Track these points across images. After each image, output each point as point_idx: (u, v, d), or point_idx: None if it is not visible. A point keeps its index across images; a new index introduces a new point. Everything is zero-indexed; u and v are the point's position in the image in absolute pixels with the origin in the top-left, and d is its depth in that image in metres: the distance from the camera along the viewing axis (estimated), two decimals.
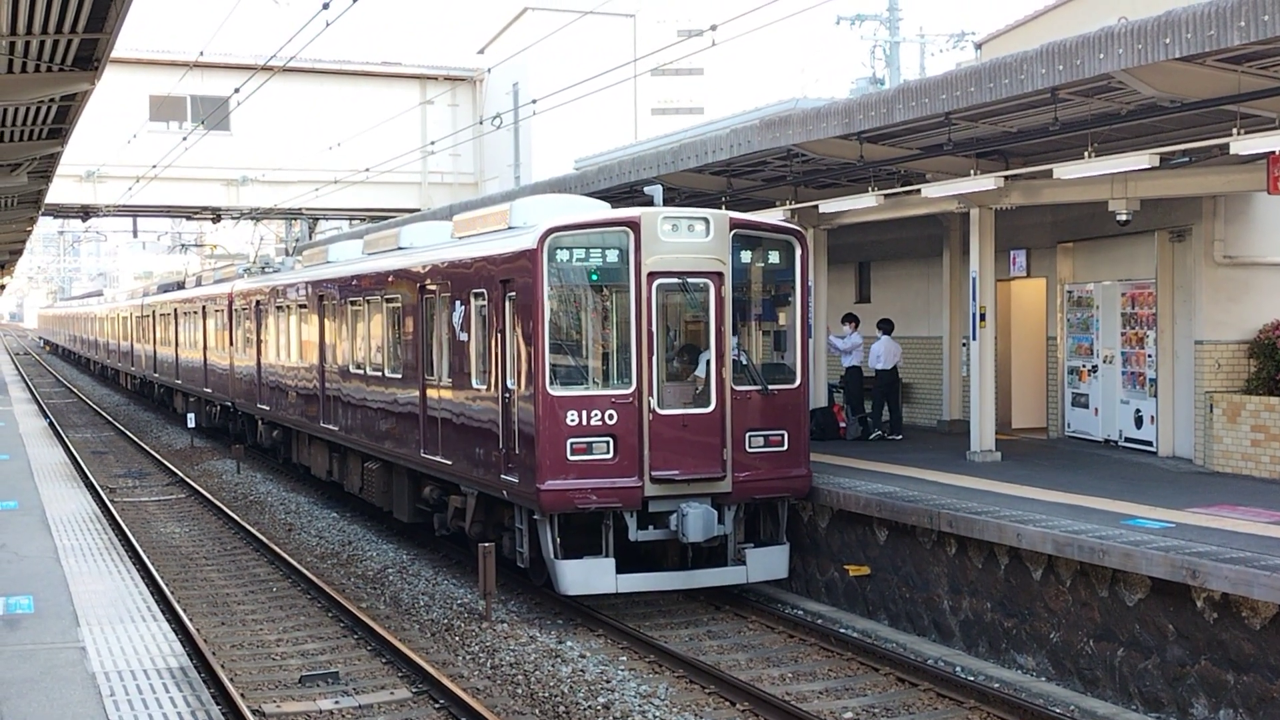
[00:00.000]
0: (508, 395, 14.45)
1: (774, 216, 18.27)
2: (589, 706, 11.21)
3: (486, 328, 15.11)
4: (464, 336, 15.75)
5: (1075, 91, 13.14)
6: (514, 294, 14.29)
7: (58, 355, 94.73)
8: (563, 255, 13.86)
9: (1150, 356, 17.78)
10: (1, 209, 26.85)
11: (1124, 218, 16.09)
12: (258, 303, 27.03)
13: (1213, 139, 13.41)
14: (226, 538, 20.06)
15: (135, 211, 44.50)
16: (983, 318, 17.56)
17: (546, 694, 11.61)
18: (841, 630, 13.78)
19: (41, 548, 14.50)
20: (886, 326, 20.71)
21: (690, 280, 14.17)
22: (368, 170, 35.93)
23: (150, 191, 38.32)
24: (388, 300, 18.70)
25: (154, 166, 33.49)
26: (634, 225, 13.94)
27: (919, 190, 16.91)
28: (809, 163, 17.85)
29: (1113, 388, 18.56)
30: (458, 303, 15.92)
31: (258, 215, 43.52)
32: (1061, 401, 19.83)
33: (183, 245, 63.25)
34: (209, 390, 32.45)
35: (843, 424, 20.67)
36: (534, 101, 25.03)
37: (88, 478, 24.30)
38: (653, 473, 13.85)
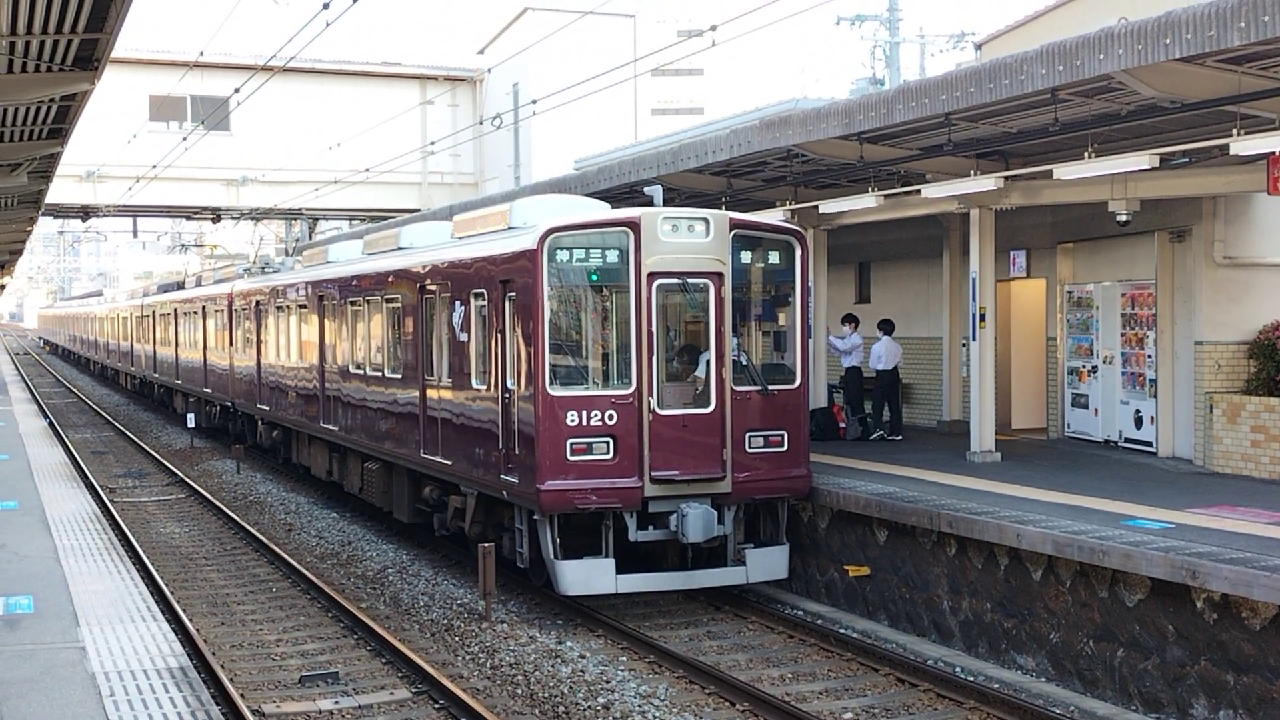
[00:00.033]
0: (508, 395, 14.45)
1: (774, 217, 18.27)
2: (589, 707, 11.21)
3: (486, 328, 15.11)
4: (464, 337, 15.75)
5: (1075, 92, 13.15)
6: (514, 294, 14.29)
7: (57, 355, 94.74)
8: (563, 255, 13.86)
9: (1150, 357, 17.78)
10: (1, 209, 26.85)
11: (1124, 218, 16.09)
12: (257, 303, 27.03)
13: (1213, 139, 13.42)
14: (226, 538, 20.06)
15: (135, 211, 44.50)
16: (982, 318, 17.56)
17: (546, 694, 11.61)
18: (841, 631, 13.78)
19: (41, 548, 14.50)
20: (887, 327, 20.72)
21: (690, 280, 14.17)
22: (368, 170, 35.94)
23: (150, 191, 38.32)
24: (388, 300, 18.70)
25: (154, 166, 33.49)
26: (634, 225, 13.94)
27: (919, 191, 16.91)
28: (809, 163, 17.85)
29: (1112, 388, 18.56)
30: (458, 303, 15.92)
31: (258, 215, 43.52)
32: (1061, 402, 19.83)
33: (183, 245, 63.28)
34: (209, 390, 32.45)
35: (842, 424, 20.67)
36: (534, 102, 25.02)
37: (88, 478, 24.30)
38: (652, 473, 13.85)
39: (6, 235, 35.48)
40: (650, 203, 15.26)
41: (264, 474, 26.87)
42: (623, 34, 46.17)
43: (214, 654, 12.71)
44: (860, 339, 20.85)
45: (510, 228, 15.49)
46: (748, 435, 14.32)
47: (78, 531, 15.66)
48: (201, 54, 29.68)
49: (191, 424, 33.51)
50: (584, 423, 13.74)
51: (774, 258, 14.95)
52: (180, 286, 40.07)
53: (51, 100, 14.39)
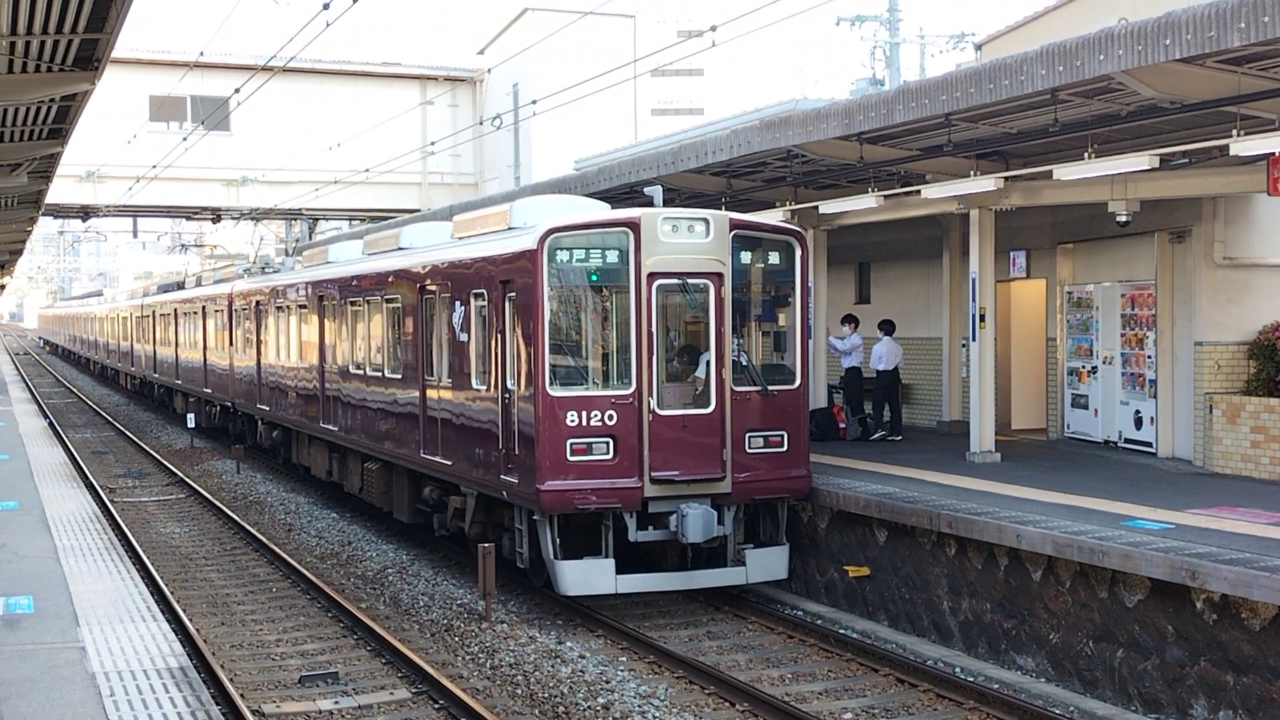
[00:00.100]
0: (507, 396, 14.46)
1: (774, 217, 18.28)
2: (588, 707, 11.21)
3: (486, 328, 15.11)
4: (464, 337, 15.76)
5: (1075, 92, 13.15)
6: (514, 294, 14.30)
7: (57, 355, 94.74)
8: (563, 256, 13.86)
9: (1150, 358, 17.78)
10: (1, 209, 26.86)
11: (1124, 219, 16.09)
12: (257, 303, 27.04)
13: (1213, 140, 13.42)
14: (226, 538, 20.06)
15: (135, 212, 44.51)
16: (982, 319, 17.56)
17: (546, 694, 11.62)
18: (841, 631, 13.78)
19: (41, 548, 14.50)
20: (888, 327, 20.72)
21: (690, 281, 14.17)
22: (368, 171, 35.95)
23: (150, 192, 38.33)
24: (388, 301, 18.70)
25: (154, 167, 33.49)
26: (634, 226, 13.95)
27: (919, 191, 16.91)
28: (809, 163, 17.85)
29: (1112, 389, 18.56)
30: (458, 303, 15.92)
31: (258, 215, 43.52)
32: (1061, 402, 19.83)
33: (183, 245, 63.27)
34: (209, 390, 32.45)
35: (842, 425, 20.67)
36: (534, 102, 25.02)
37: (87, 478, 24.31)
38: (652, 473, 13.85)
39: (6, 235, 35.49)
40: (650, 203, 15.26)
41: (264, 474, 26.88)
42: (623, 34, 46.21)
43: (214, 654, 12.71)
44: (860, 339, 20.85)
45: (510, 228, 15.49)
46: (747, 435, 14.33)
47: (78, 531, 15.66)
48: (201, 54, 29.70)
49: (191, 424, 33.52)
50: (584, 423, 13.74)
51: (774, 258, 14.95)
52: (180, 286, 40.07)
53: (52, 100, 14.39)
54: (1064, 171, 14.53)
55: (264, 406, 26.53)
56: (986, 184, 15.79)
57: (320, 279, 22.40)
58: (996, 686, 11.73)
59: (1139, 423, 17.98)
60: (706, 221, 14.21)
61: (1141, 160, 13.67)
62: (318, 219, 48.66)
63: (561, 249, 13.85)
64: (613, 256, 13.99)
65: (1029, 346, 21.34)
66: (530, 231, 14.20)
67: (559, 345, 13.94)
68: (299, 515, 21.83)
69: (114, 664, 9.88)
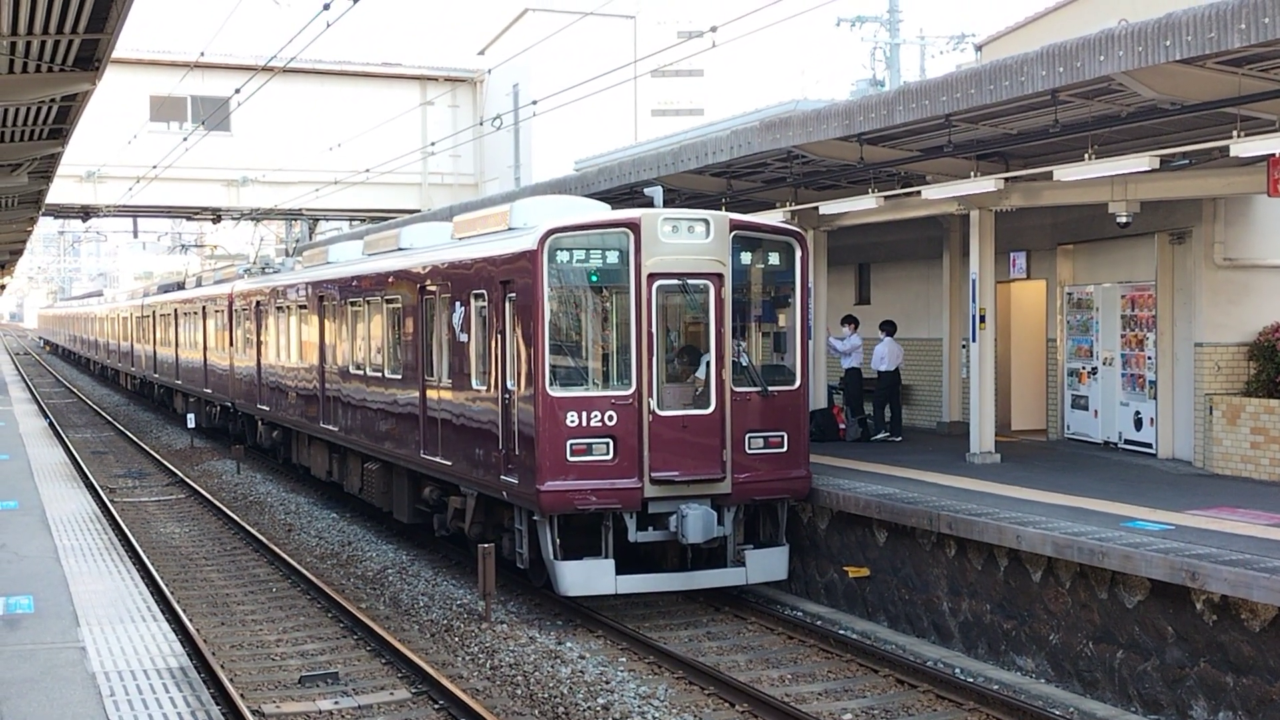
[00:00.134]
0: (508, 396, 14.46)
1: (774, 218, 18.29)
2: (588, 707, 11.22)
3: (486, 328, 15.12)
4: (464, 337, 15.76)
5: (1075, 93, 13.15)
6: (514, 295, 14.30)
7: (58, 355, 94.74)
8: (563, 256, 13.87)
9: (1150, 359, 17.79)
10: (2, 209, 26.86)
11: (1124, 220, 16.09)
12: (258, 303, 27.04)
13: (1213, 141, 13.41)
14: (226, 538, 20.06)
15: (135, 212, 44.51)
16: (982, 319, 17.56)
17: (546, 695, 11.62)
18: (841, 632, 13.78)
19: (41, 548, 14.50)
20: (889, 328, 20.73)
21: (690, 281, 14.18)
22: (368, 171, 35.95)
23: (150, 192, 38.33)
24: (388, 301, 18.71)
25: (154, 167, 33.49)
26: (634, 226, 13.95)
27: (919, 192, 16.91)
28: (809, 164, 17.85)
29: (1112, 390, 18.56)
30: (458, 303, 15.93)
31: (258, 216, 43.53)
32: (1061, 403, 19.83)
33: (183, 246, 63.30)
34: (209, 390, 32.46)
35: (842, 425, 20.67)
36: (534, 103, 25.01)
37: (88, 478, 24.31)
38: (652, 474, 13.85)
39: (7, 235, 35.49)
40: (650, 204, 15.27)
41: (264, 474, 26.88)
42: (623, 35, 46.24)
43: (214, 654, 12.71)
44: (860, 340, 20.85)
45: (510, 228, 15.50)
46: (747, 436, 14.33)
47: (78, 531, 15.66)
48: (202, 54, 29.73)
49: (191, 424, 33.52)
50: (584, 423, 13.75)
51: (774, 259, 14.95)
52: (180, 287, 40.08)
53: (52, 100, 14.39)
54: (1064, 172, 14.53)
55: (264, 407, 26.54)
56: (987, 185, 15.79)
57: (320, 279, 22.41)
58: (996, 687, 11.73)
59: (1139, 424, 17.98)
60: (706, 222, 14.21)
61: (1142, 161, 13.68)
62: (318, 219, 48.66)
63: (562, 249, 13.85)
64: (613, 257, 13.99)
65: (1029, 347, 21.34)
66: (530, 232, 14.20)
67: (559, 346, 13.94)
68: (299, 515, 21.83)
69: (114, 664, 9.88)
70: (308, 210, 43.80)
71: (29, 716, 8.64)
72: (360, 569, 17.47)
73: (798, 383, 14.83)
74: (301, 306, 23.53)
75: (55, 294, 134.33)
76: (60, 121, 16.19)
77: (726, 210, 16.73)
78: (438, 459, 16.51)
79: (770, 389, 14.54)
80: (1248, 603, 10.19)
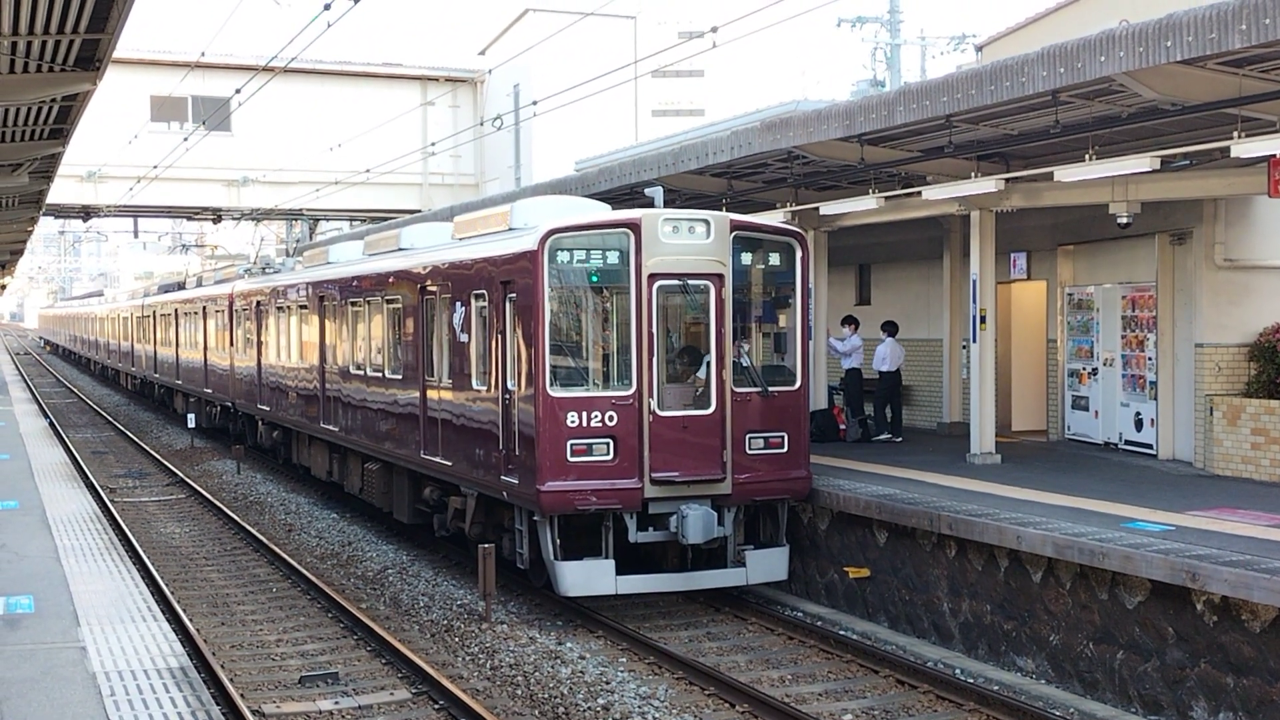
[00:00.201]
0: (508, 396, 14.46)
1: (774, 218, 18.28)
2: (588, 708, 11.21)
3: (487, 329, 15.12)
4: (464, 337, 15.76)
5: (1076, 94, 13.15)
6: (514, 295, 14.30)
7: (58, 355, 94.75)
8: (563, 256, 13.87)
9: (1150, 359, 17.79)
10: (2, 209, 26.86)
11: (1124, 220, 16.09)
12: (258, 303, 27.04)
13: (1214, 142, 13.41)
14: (226, 538, 20.06)
15: (136, 212, 44.52)
16: (983, 320, 17.56)
17: (546, 695, 11.62)
18: (841, 632, 13.78)
19: (42, 548, 14.50)
20: (891, 329, 20.73)
21: (691, 282, 14.18)
22: (368, 171, 35.95)
23: (151, 192, 38.34)
24: (388, 301, 18.71)
25: (155, 167, 33.50)
26: (634, 227, 13.95)
27: (919, 192, 16.91)
28: (810, 165, 17.85)
29: (1113, 390, 18.56)
30: (458, 304, 15.93)
31: (258, 216, 43.54)
32: (1061, 404, 19.83)
33: (183, 246, 63.32)
34: (209, 390, 32.46)
35: (843, 426, 20.67)
36: (535, 103, 25.02)
37: (88, 478, 24.31)
38: (653, 474, 13.85)
39: (7, 235, 35.49)
40: (651, 204, 15.27)
41: (264, 474, 26.88)
42: (623, 35, 46.27)
43: (214, 654, 12.71)
44: (860, 340, 20.85)
45: (511, 229, 15.50)
46: (748, 437, 14.32)
47: (78, 531, 15.66)
48: (203, 54, 29.76)
49: (192, 424, 33.52)
50: (584, 424, 13.74)
51: (774, 259, 14.95)
52: (181, 287, 40.09)
53: (53, 100, 14.39)
54: (1065, 173, 14.53)
55: (264, 407, 26.54)
56: (987, 185, 15.79)
57: (321, 279, 22.41)
58: (996, 688, 11.72)
59: (1139, 424, 17.98)
60: (707, 222, 14.21)
61: (1142, 162, 13.68)
62: (318, 219, 48.65)
63: (562, 250, 13.85)
64: (613, 257, 13.99)
65: (1029, 348, 21.33)
66: (531, 232, 14.20)
67: (559, 346, 13.94)
68: (299, 515, 21.83)
69: (114, 664, 9.88)
70: (308, 210, 43.81)
71: (29, 716, 8.64)
72: (360, 569, 17.46)
73: (798, 383, 14.83)
74: (302, 306, 23.54)
75: (56, 294, 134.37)
76: (61, 121, 16.19)
77: (727, 211, 16.73)
78: (438, 459, 16.51)
79: (770, 389, 14.53)
80: (1248, 604, 10.19)
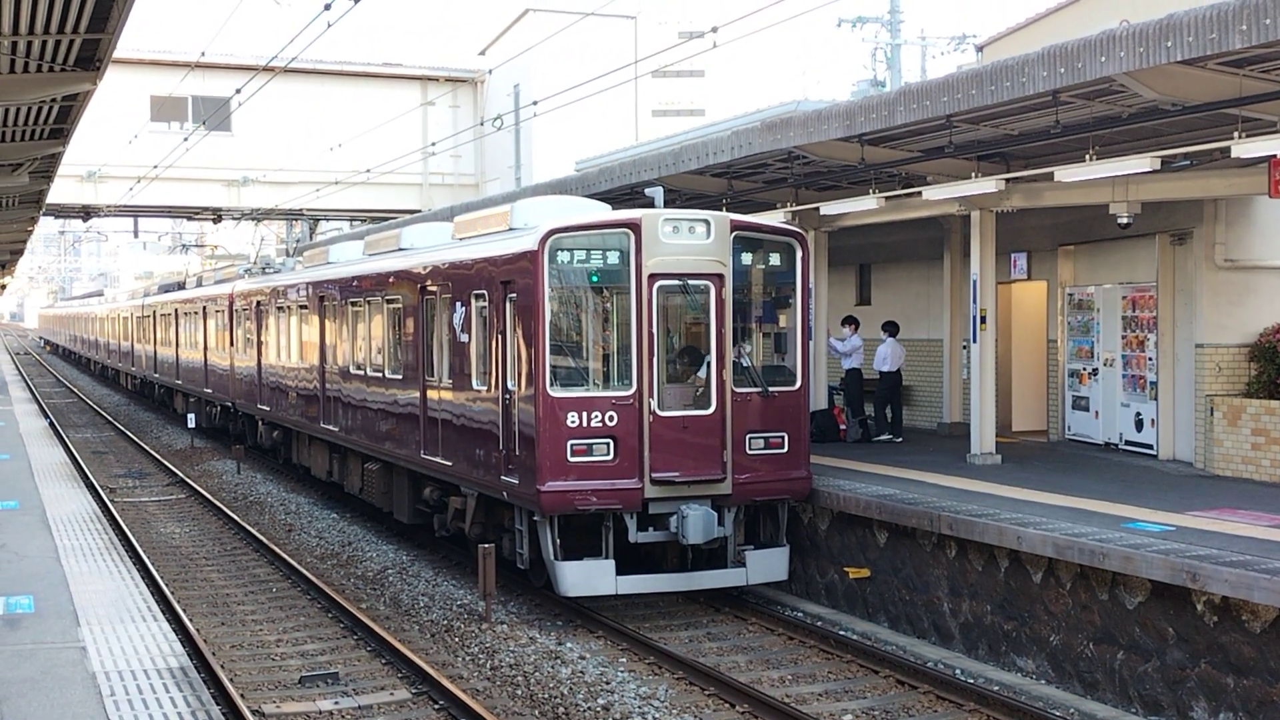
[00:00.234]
0: (508, 396, 14.45)
1: (775, 218, 18.28)
2: (589, 708, 11.21)
3: (487, 329, 15.12)
4: (464, 337, 15.76)
5: (1076, 94, 13.14)
6: (515, 295, 14.30)
7: (58, 355, 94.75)
8: (563, 256, 13.86)
9: (1151, 360, 17.78)
10: (2, 209, 26.87)
11: (1125, 221, 16.09)
12: (258, 303, 27.04)
13: (1214, 142, 13.41)
14: (226, 538, 20.06)
15: (136, 212, 44.53)
16: (983, 320, 17.56)
17: (546, 695, 11.61)
18: (841, 632, 13.78)
19: (42, 548, 14.50)
20: (891, 329, 20.73)
21: (691, 282, 14.17)
22: (368, 171, 35.96)
23: (151, 192, 38.34)
24: (388, 301, 18.71)
25: (155, 167, 33.51)
26: (635, 227, 13.95)
27: (920, 193, 16.91)
28: (810, 165, 17.85)
29: (1113, 391, 18.56)
30: (458, 304, 15.93)
31: (258, 216, 43.54)
32: (1062, 404, 19.83)
33: (183, 246, 63.30)
34: (209, 390, 32.46)
35: (843, 426, 20.66)
36: (535, 103, 25.03)
37: (88, 478, 24.31)
38: (653, 474, 13.85)
39: (8, 235, 35.50)
40: (651, 204, 15.27)
41: (264, 474, 26.87)
42: (624, 35, 46.24)
43: (214, 654, 12.71)
44: (860, 341, 20.85)
45: (511, 229, 15.49)
46: (748, 437, 14.32)
47: (78, 531, 15.66)
48: (203, 54, 29.75)
49: (192, 424, 33.52)
50: (584, 424, 13.74)
51: (775, 259, 14.95)
52: (181, 287, 40.09)
53: (53, 100, 14.40)
54: (1065, 173, 14.52)
55: (264, 407, 26.54)
56: (988, 186, 15.79)
57: (321, 279, 22.40)
58: (997, 688, 11.72)
59: (1140, 425, 17.98)
60: (707, 223, 14.21)
61: (1143, 162, 13.67)
62: (319, 219, 48.66)
63: (562, 250, 13.85)
64: (613, 257, 13.99)
65: (1030, 348, 21.33)
66: (531, 232, 14.20)
67: (560, 346, 13.94)
68: (299, 515, 21.83)
69: (114, 664, 9.88)
70: (308, 210, 43.81)
71: (29, 716, 8.63)
72: (360, 569, 17.46)
73: (798, 383, 14.82)
74: (302, 306, 23.53)
75: (56, 294, 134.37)
76: (61, 121, 16.20)
77: (727, 211, 16.72)
78: (438, 459, 16.50)
79: (771, 390, 14.53)
80: (1248, 604, 10.18)
